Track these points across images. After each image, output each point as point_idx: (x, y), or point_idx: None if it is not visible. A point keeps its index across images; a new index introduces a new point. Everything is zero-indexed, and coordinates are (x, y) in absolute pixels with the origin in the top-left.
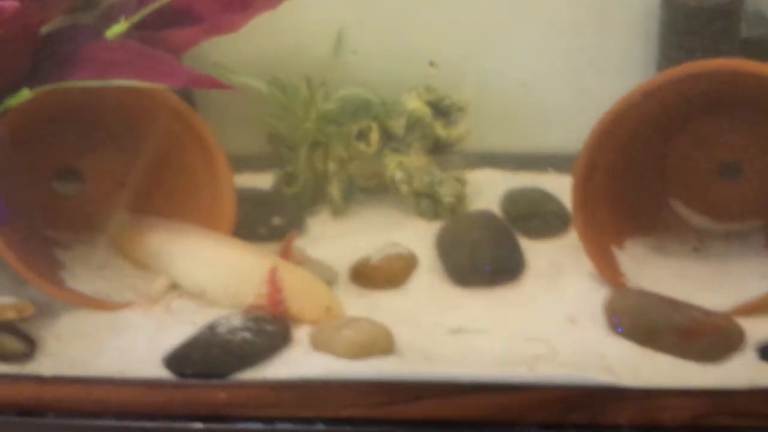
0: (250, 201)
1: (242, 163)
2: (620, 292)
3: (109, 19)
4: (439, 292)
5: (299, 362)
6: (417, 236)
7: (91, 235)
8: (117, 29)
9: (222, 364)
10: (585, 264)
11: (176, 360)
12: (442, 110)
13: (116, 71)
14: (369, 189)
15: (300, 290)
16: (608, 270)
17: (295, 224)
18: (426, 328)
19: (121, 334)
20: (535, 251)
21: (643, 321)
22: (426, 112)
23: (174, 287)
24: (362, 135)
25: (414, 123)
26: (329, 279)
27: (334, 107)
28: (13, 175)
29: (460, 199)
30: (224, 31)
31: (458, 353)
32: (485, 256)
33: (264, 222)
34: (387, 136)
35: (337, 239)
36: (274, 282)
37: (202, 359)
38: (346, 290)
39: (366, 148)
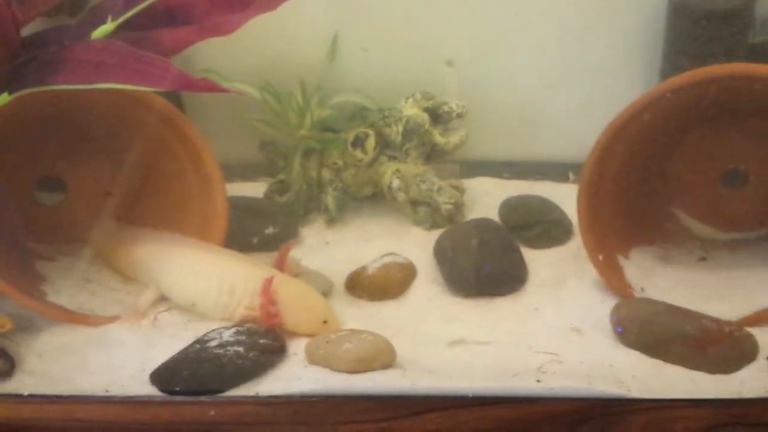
0: (241, 210)
1: (233, 171)
2: (627, 302)
3: (95, 19)
4: (439, 302)
5: (295, 377)
6: (415, 245)
7: (75, 247)
8: (104, 30)
9: (213, 379)
10: (589, 273)
11: (163, 376)
12: (439, 117)
13: (103, 74)
14: (365, 197)
15: (296, 302)
16: (614, 279)
17: (289, 234)
18: (427, 340)
19: (106, 350)
20: (537, 260)
21: (652, 331)
22: (424, 119)
23: (162, 300)
24: (358, 142)
25: (411, 130)
26: (325, 290)
27: (329, 114)
28: None
29: (459, 207)
30: (220, 32)
31: (461, 366)
32: (486, 266)
33: (256, 231)
34: (383, 143)
35: (332, 249)
36: (268, 293)
37: (191, 375)
38: (343, 301)
39: (362, 155)
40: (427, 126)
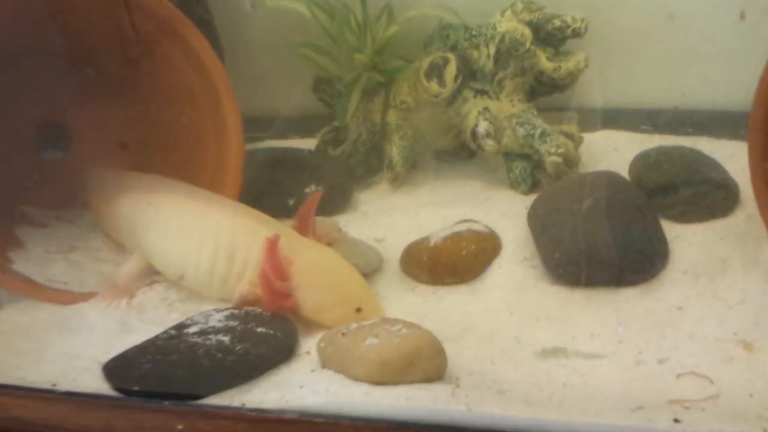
0: (276, 164)
1: (288, 126)
2: None
3: None
4: (529, 291)
5: (297, 384)
6: (504, 214)
7: (78, 213)
8: None
9: (182, 379)
10: (764, 258)
11: (118, 370)
12: (549, 36)
13: None
14: (444, 150)
15: (318, 278)
16: None
17: (338, 194)
18: (505, 346)
19: (70, 334)
20: (683, 238)
21: None
22: (525, 34)
23: (150, 271)
24: (434, 71)
25: (507, 51)
26: (371, 266)
27: (397, 31)
28: None
29: (571, 162)
30: None
31: (553, 388)
32: (606, 241)
33: (293, 190)
34: (469, 73)
35: (394, 215)
36: (273, 261)
37: (153, 371)
38: (394, 284)
39: (438, 88)
40: (529, 45)
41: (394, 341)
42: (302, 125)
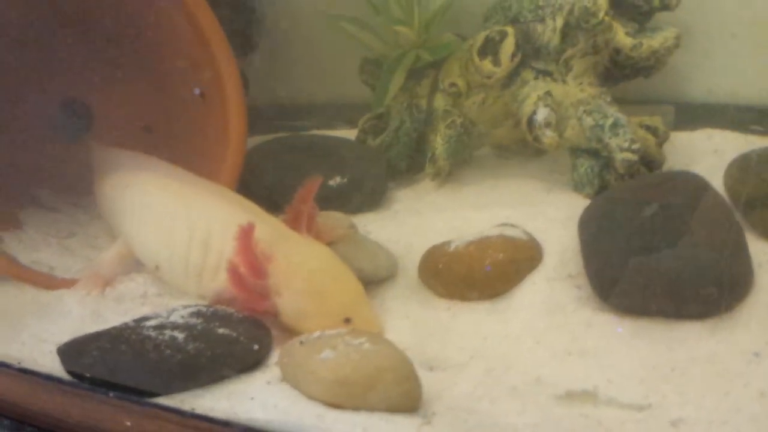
0: (305, 153)
1: (336, 113)
2: None
3: None
4: (565, 316)
5: (250, 396)
6: (556, 219)
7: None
8: None
9: (129, 371)
10: None
11: (70, 352)
12: (632, 8)
13: None
14: (503, 142)
15: (302, 280)
16: None
17: (370, 189)
18: (515, 382)
19: (47, 319)
20: None
21: None
22: (599, 4)
23: (133, 258)
24: (490, 47)
25: (577, 24)
26: (382, 272)
27: (450, 2)
28: None
29: (651, 160)
30: None
31: None
32: (667, 260)
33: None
34: (532, 50)
35: (427, 216)
36: (247, 254)
37: (101, 358)
38: (404, 294)
39: (492, 68)
40: (603, 16)
41: (352, 357)
42: (355, 113)
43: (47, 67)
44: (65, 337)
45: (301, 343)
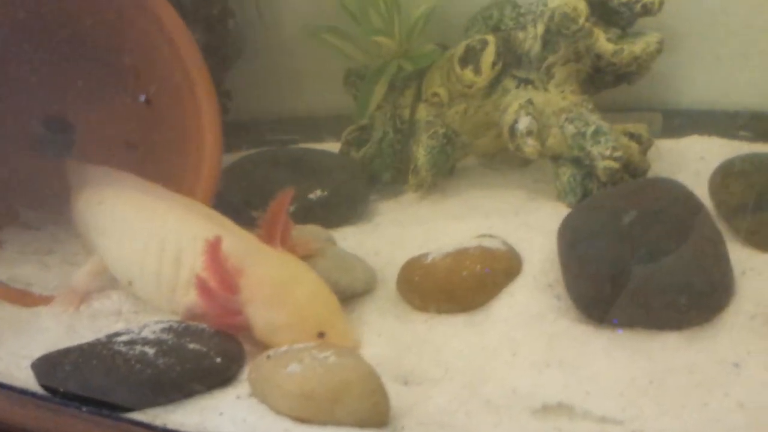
0: (286, 167)
1: (323, 126)
2: None
3: None
4: (544, 327)
5: (219, 411)
6: (538, 230)
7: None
8: None
9: (100, 385)
10: None
11: (43, 367)
12: (613, 13)
13: None
14: (488, 152)
15: (273, 294)
16: None
17: (347, 201)
18: (491, 395)
19: (24, 335)
20: (759, 271)
21: None
22: (579, 9)
23: (106, 275)
24: (470, 56)
25: (557, 31)
26: (359, 285)
27: (431, 11)
28: None
29: (634, 168)
30: None
31: None
32: (645, 267)
33: (298, 196)
34: (512, 59)
35: (409, 228)
36: (217, 268)
37: (73, 372)
38: (384, 307)
39: (473, 77)
40: (582, 21)
41: (317, 371)
42: (342, 125)
43: (29, 84)
44: (41, 352)
45: (269, 357)
